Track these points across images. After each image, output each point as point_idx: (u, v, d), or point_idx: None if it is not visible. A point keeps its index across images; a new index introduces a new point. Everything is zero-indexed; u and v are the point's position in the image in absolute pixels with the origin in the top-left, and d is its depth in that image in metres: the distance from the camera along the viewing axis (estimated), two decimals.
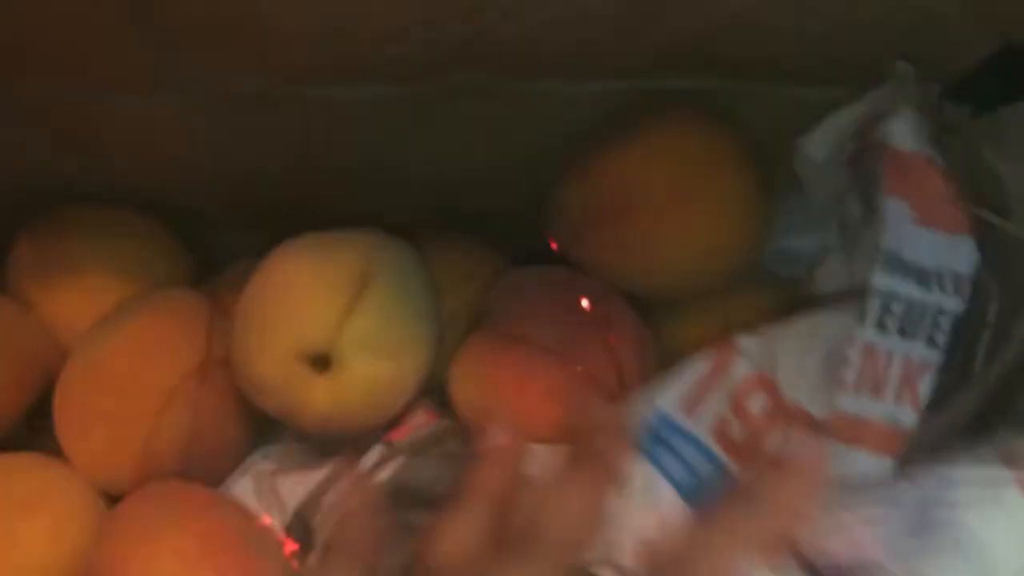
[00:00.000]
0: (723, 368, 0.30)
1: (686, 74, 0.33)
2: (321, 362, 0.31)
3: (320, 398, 0.31)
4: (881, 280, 0.26)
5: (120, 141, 0.37)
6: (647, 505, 0.28)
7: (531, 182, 0.38)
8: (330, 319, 0.30)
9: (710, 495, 0.28)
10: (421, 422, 0.34)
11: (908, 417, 0.27)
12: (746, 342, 0.30)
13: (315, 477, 0.33)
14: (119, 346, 0.34)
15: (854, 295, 0.27)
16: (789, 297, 0.33)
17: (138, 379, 0.33)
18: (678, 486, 0.28)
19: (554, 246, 0.38)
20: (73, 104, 0.34)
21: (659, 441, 0.29)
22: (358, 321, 0.30)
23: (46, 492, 0.32)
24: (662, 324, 0.35)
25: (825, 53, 0.30)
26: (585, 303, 0.33)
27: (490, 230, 0.41)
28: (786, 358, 0.29)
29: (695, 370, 0.30)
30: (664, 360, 0.33)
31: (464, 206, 0.41)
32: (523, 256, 0.41)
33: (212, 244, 0.43)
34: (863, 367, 0.26)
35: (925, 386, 0.27)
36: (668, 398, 0.30)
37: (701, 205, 0.32)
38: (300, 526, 0.32)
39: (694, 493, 0.28)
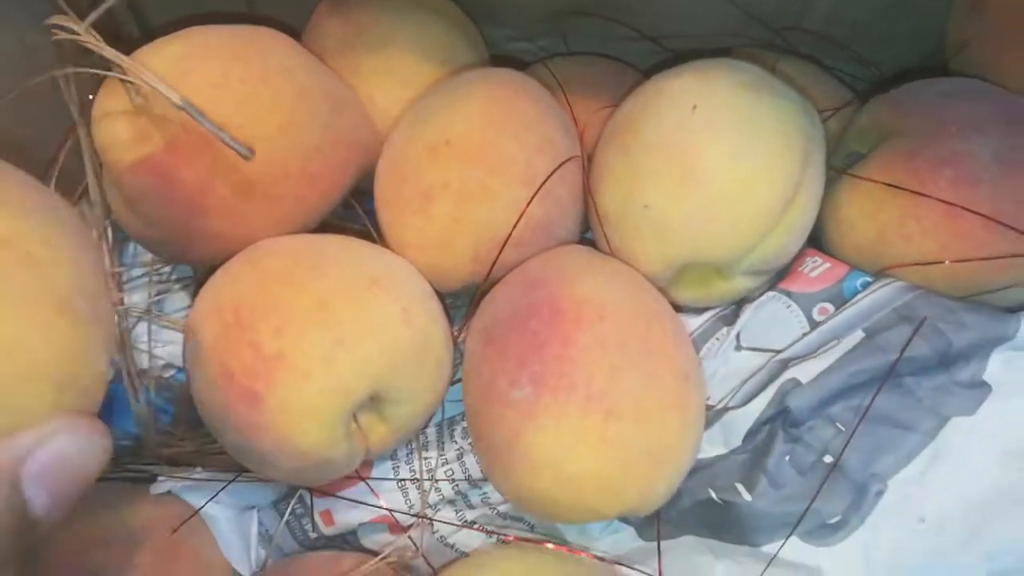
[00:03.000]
0: None
1: None
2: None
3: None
4: None
5: None
6: None
7: None
8: (754, 238, 0.28)
9: None
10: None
11: None
12: None
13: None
14: (465, 117, 0.29)
15: None
16: None
17: (493, 152, 0.29)
18: None
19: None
20: None
21: None
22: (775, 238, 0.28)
23: (390, 271, 0.29)
24: None
25: None
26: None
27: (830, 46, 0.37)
28: None
29: None
30: None
31: (808, 21, 0.36)
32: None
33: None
34: None
35: None
36: None
37: None
38: None
39: None
